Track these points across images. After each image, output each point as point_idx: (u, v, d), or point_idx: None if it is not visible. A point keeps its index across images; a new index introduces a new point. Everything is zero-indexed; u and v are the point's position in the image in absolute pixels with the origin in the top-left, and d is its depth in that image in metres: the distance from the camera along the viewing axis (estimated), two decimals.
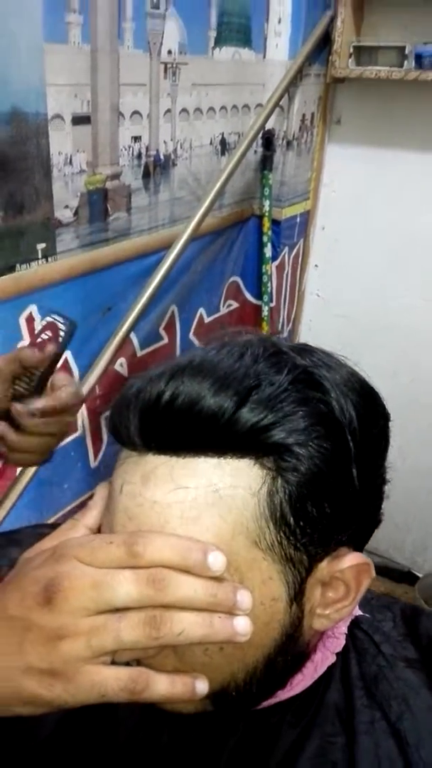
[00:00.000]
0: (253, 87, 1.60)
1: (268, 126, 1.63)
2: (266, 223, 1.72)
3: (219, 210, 1.59)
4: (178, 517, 0.42)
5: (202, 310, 1.67)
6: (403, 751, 0.49)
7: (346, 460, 0.44)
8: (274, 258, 1.79)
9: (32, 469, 1.22)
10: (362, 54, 1.69)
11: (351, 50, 1.68)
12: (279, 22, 1.59)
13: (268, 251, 1.75)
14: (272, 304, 1.82)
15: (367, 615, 0.59)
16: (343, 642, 0.54)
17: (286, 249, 1.86)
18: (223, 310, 1.76)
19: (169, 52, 1.31)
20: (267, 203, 1.70)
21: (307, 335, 2.05)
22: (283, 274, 1.89)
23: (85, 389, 1.27)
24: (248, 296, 1.84)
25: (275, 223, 1.75)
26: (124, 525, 0.43)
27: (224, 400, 0.41)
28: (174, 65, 1.33)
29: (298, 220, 1.88)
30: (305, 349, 0.48)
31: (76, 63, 1.10)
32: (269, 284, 1.78)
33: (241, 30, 1.50)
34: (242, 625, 0.40)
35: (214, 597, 0.39)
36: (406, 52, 1.62)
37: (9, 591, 0.42)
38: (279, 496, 0.42)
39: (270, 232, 1.74)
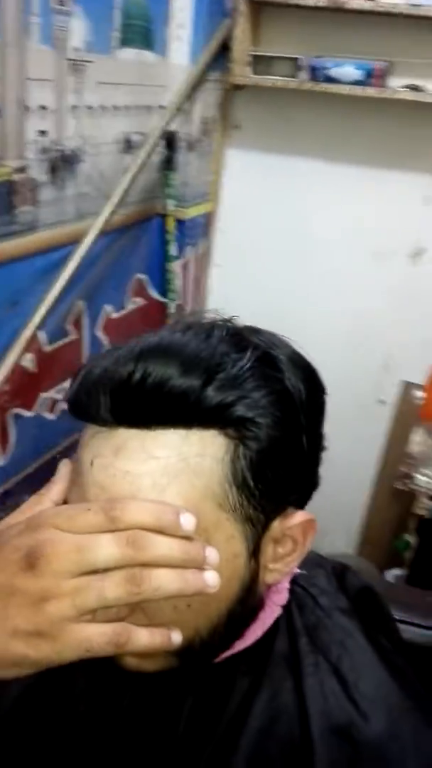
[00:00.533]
0: (156, 88, 1.64)
1: (171, 128, 1.68)
2: (170, 222, 1.76)
3: (124, 208, 1.61)
4: (150, 485, 0.45)
5: (108, 307, 1.68)
6: (345, 687, 0.55)
7: (298, 429, 0.50)
8: (178, 257, 1.83)
9: None
10: (259, 63, 1.77)
11: (248, 59, 1.76)
12: (180, 26, 1.63)
13: (172, 250, 1.79)
14: (179, 302, 1.85)
15: (303, 572, 0.64)
16: (286, 596, 0.59)
17: (190, 248, 1.91)
18: (129, 307, 1.78)
19: (75, 49, 1.32)
20: (171, 203, 1.74)
21: None
22: (187, 272, 1.94)
23: None
24: (153, 294, 1.87)
25: (179, 222, 1.80)
26: (96, 496, 0.46)
27: (192, 379, 0.45)
28: (80, 62, 1.34)
29: (200, 220, 1.93)
30: (255, 330, 0.54)
31: None
32: (175, 282, 1.82)
33: (143, 32, 1.53)
34: (211, 578, 0.44)
35: (186, 554, 0.43)
36: (301, 63, 1.72)
37: None
38: (241, 462, 0.47)
39: (174, 231, 1.78)
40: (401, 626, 0.75)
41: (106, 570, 0.42)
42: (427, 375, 1.81)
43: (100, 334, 1.67)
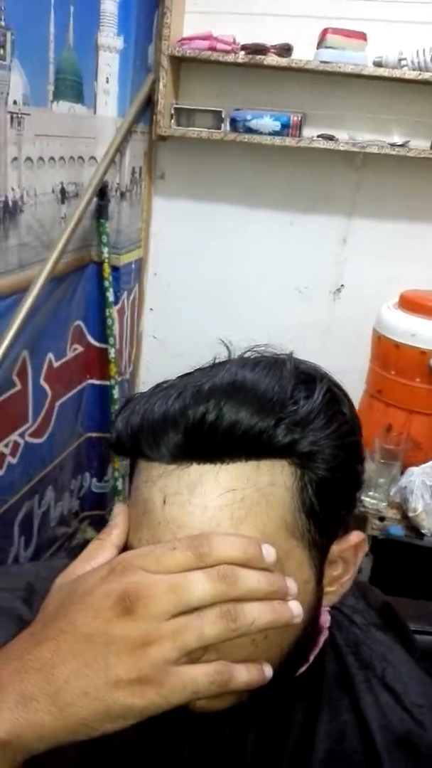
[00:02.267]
0: (87, 140, 1.67)
1: (103, 178, 1.71)
2: (106, 269, 1.78)
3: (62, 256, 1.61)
4: (229, 518, 0.45)
5: (51, 355, 1.66)
6: (397, 699, 0.57)
7: (357, 456, 0.53)
8: (115, 302, 1.84)
9: None
10: (182, 115, 1.85)
11: (172, 111, 1.83)
12: (107, 81, 1.69)
13: (110, 296, 1.80)
14: (117, 347, 1.86)
15: None
16: (329, 617, 0.61)
17: (125, 293, 1.93)
18: (70, 354, 1.77)
19: (15, 102, 1.33)
20: (105, 250, 1.76)
21: (146, 376, 2.12)
22: (124, 317, 1.95)
23: None
24: (91, 339, 1.87)
25: (114, 269, 1.82)
26: (174, 534, 0.46)
27: (266, 420, 0.46)
28: (19, 115, 1.35)
29: (133, 266, 1.97)
30: (302, 360, 0.55)
31: None
32: (113, 327, 1.83)
33: (74, 87, 1.57)
34: (296, 607, 0.44)
35: (272, 585, 0.43)
36: (222, 115, 1.81)
37: (73, 612, 0.42)
38: (308, 489, 0.48)
39: (110, 278, 1.79)
40: (424, 638, 0.78)
41: (199, 608, 0.41)
42: (358, 403, 1.91)
43: (44, 383, 1.64)
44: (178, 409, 0.47)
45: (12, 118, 1.33)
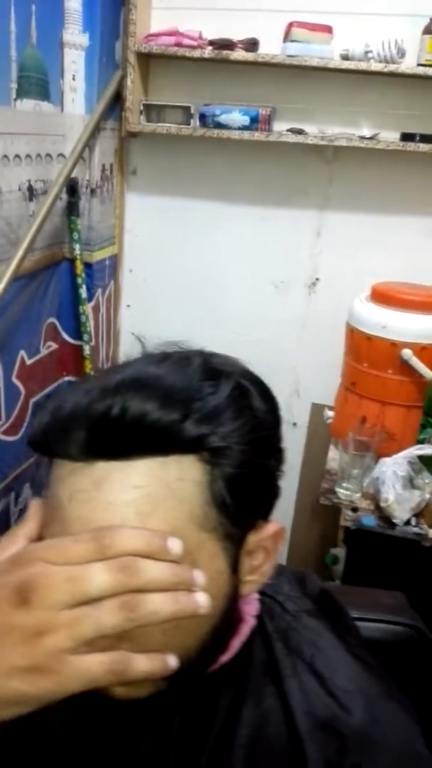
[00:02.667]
0: (55, 138, 1.67)
1: (72, 175, 1.71)
2: (79, 266, 1.78)
3: (31, 254, 1.61)
4: (135, 513, 0.46)
5: (23, 353, 1.66)
6: (323, 683, 0.58)
7: (268, 449, 0.53)
8: (89, 299, 1.85)
9: None
10: (151, 111, 1.85)
11: (141, 108, 1.84)
12: (74, 78, 1.69)
13: (83, 292, 1.81)
14: (92, 344, 1.87)
15: (267, 581, 0.67)
16: (257, 605, 0.62)
17: (100, 290, 1.94)
18: (44, 352, 1.78)
19: None
20: (77, 247, 1.77)
21: None
22: (99, 314, 1.96)
23: None
24: (66, 337, 1.88)
25: (87, 266, 1.82)
26: (79, 530, 0.46)
27: (171, 413, 0.46)
28: None
29: (107, 263, 1.97)
30: (213, 354, 0.56)
31: None
32: (87, 324, 1.84)
33: (39, 84, 1.57)
34: (202, 598, 0.45)
35: (176, 576, 0.43)
36: (191, 111, 1.82)
37: None
38: (218, 483, 0.49)
39: (83, 275, 1.80)
40: (368, 624, 0.79)
41: (99, 599, 0.41)
42: (335, 395, 1.91)
43: (16, 380, 1.65)
44: (83, 405, 0.47)
45: None
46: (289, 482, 2.14)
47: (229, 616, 0.54)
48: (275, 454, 0.55)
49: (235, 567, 0.52)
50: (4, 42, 1.41)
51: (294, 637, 0.61)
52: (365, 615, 0.76)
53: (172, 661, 0.45)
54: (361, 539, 1.56)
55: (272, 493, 0.56)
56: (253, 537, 0.54)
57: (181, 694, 0.57)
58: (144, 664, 0.44)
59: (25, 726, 0.44)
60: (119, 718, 0.58)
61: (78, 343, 1.87)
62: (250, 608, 0.61)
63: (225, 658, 0.58)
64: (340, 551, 1.62)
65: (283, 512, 2.19)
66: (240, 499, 0.50)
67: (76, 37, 1.65)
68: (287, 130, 1.81)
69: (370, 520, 1.53)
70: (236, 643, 0.59)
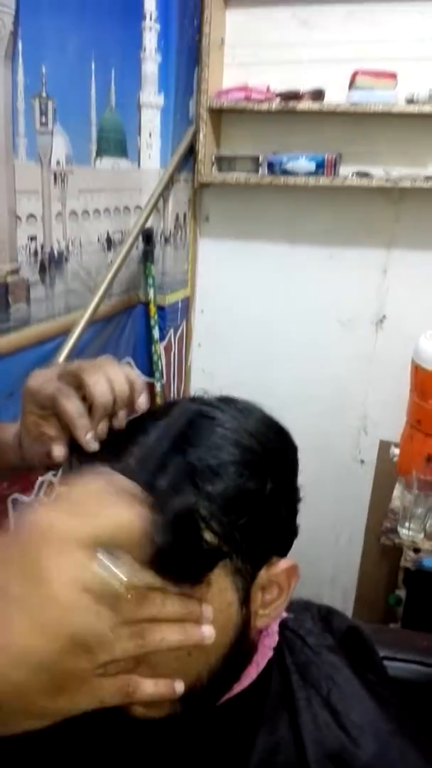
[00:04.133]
0: (132, 192, 1.80)
1: (148, 225, 1.83)
2: (152, 309, 1.89)
3: (108, 299, 1.73)
4: None
5: None
6: (336, 717, 0.61)
7: (274, 503, 0.57)
8: (161, 339, 1.95)
9: None
10: (222, 162, 1.96)
11: (213, 159, 1.94)
12: (150, 136, 1.82)
13: (156, 333, 1.91)
14: (163, 381, 1.96)
15: (291, 615, 0.71)
16: (276, 639, 0.65)
17: (172, 330, 2.04)
18: None
19: (58, 162, 1.47)
20: (152, 291, 1.88)
21: None
22: (171, 353, 2.06)
23: None
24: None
25: (160, 308, 1.93)
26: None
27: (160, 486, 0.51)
28: (62, 174, 1.50)
29: (180, 305, 2.07)
30: (230, 400, 0.62)
31: None
32: (159, 363, 1.94)
33: (117, 143, 1.71)
34: (208, 630, 0.50)
35: (186, 609, 0.49)
36: (260, 160, 1.91)
37: None
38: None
39: (156, 317, 1.91)
40: (399, 665, 0.81)
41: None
42: (401, 432, 1.91)
43: None
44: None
45: (55, 177, 1.48)
46: (358, 520, 2.14)
47: (240, 646, 0.57)
48: (287, 492, 0.59)
49: (245, 600, 0.56)
50: (85, 107, 1.55)
51: (312, 670, 0.64)
52: (396, 655, 0.78)
53: (179, 687, 0.50)
54: (421, 581, 1.55)
55: (286, 530, 0.60)
56: (265, 572, 0.58)
57: (197, 718, 0.60)
58: (151, 687, 0.48)
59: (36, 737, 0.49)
60: (136, 738, 0.62)
61: (151, 380, 1.97)
62: (269, 641, 0.64)
63: (240, 687, 0.61)
64: (402, 592, 1.61)
65: (353, 550, 2.19)
66: (249, 537, 0.54)
67: (152, 98, 1.79)
68: (353, 174, 1.86)
69: (431, 562, 1.52)
70: (253, 673, 0.62)
